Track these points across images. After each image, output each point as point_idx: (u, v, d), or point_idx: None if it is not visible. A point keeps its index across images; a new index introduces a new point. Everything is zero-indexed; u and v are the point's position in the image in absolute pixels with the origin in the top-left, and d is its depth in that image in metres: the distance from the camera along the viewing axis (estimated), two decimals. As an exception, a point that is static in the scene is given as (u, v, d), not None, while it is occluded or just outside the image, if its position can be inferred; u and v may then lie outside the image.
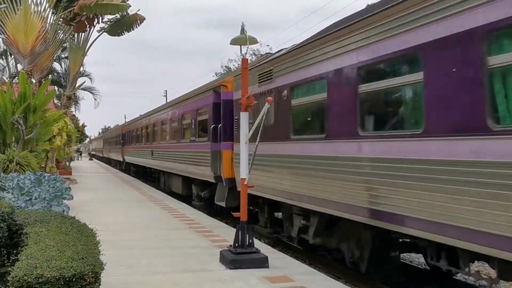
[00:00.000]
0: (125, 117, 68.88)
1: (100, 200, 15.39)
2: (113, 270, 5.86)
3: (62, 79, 31.09)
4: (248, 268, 6.58)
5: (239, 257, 6.73)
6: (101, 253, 4.25)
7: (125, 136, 35.34)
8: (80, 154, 70.61)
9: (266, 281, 6.04)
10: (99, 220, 9.52)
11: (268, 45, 63.76)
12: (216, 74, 55.02)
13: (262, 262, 6.74)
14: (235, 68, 49.31)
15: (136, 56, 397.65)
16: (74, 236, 4.55)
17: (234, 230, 7.16)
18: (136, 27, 19.60)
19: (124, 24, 19.55)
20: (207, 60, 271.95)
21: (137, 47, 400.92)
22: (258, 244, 7.76)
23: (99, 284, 3.82)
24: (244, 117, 7.15)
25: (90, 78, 33.15)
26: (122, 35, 19.96)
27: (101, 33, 20.01)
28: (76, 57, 20.45)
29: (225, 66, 54.72)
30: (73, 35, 19.97)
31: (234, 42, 7.13)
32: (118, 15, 18.83)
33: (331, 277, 7.09)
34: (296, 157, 8.42)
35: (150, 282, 6.00)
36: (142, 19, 19.50)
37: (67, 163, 33.02)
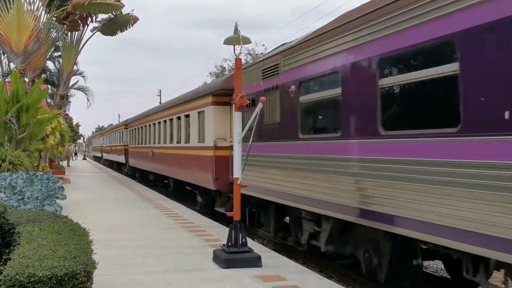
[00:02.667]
0: (119, 117, 68.82)
1: (94, 199, 15.35)
2: (106, 269, 5.85)
3: (55, 78, 30.88)
4: (241, 267, 6.59)
5: (232, 257, 6.74)
6: (93, 252, 4.25)
7: None
8: (76, 154, 70.61)
9: (259, 280, 6.06)
10: (92, 220, 9.50)
11: (264, 45, 63.73)
12: (210, 74, 54.93)
13: (255, 262, 6.76)
14: (229, 68, 49.24)
15: (129, 55, 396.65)
16: (66, 236, 4.55)
17: (228, 229, 7.17)
18: (130, 27, 19.54)
19: (117, 23, 19.48)
20: (202, 59, 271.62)
21: (130, 46, 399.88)
22: (251, 243, 7.77)
23: (92, 283, 3.82)
24: (238, 117, 7.15)
25: (83, 77, 32.90)
26: (116, 34, 19.90)
27: (94, 33, 19.94)
28: (69, 56, 20.36)
29: (220, 66, 54.62)
30: (66, 34, 19.88)
31: (228, 42, 7.13)
32: (111, 15, 18.76)
33: (324, 276, 7.12)
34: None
35: (143, 281, 5.99)
36: (135, 19, 19.45)
37: (61, 163, 32.87)
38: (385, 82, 5.99)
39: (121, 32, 19.74)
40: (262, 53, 43.84)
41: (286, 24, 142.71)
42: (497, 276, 6.24)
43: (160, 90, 70.76)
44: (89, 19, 18.57)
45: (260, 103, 6.88)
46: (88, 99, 33.57)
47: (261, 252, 7.26)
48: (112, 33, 19.81)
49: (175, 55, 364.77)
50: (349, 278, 8.00)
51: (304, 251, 9.80)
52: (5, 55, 20.55)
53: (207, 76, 54.96)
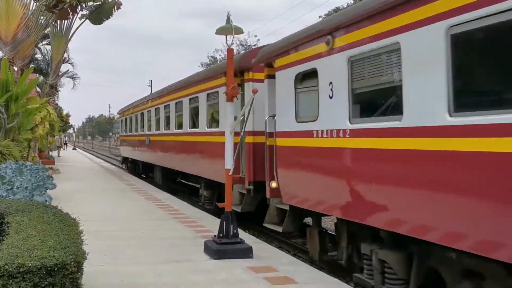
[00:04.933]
0: (109, 107, 68.12)
1: (84, 190, 15.26)
2: (97, 260, 5.82)
3: (43, 66, 30.23)
4: (233, 258, 6.60)
5: (223, 248, 6.74)
6: (84, 243, 4.22)
7: None
8: (65, 144, 69.99)
9: (250, 271, 6.06)
10: (82, 210, 9.42)
11: (256, 36, 63.57)
12: (201, 64, 54.69)
13: (246, 253, 6.76)
14: (221, 58, 49.06)
15: (120, 46, 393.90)
16: (56, 226, 4.51)
17: (219, 220, 7.16)
18: (114, 12, 19.27)
19: (104, 11, 19.25)
20: (194, 49, 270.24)
21: (121, 36, 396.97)
22: (242, 234, 7.77)
23: (82, 274, 3.79)
24: (229, 107, 7.12)
25: (71, 64, 32.31)
26: (102, 22, 19.66)
27: (83, 21, 19.70)
28: (58, 45, 20.14)
29: (211, 56, 54.39)
30: (56, 23, 19.64)
31: (219, 32, 7.08)
32: (99, 2, 18.54)
33: (314, 267, 7.14)
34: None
35: (134, 272, 5.97)
36: (119, 5, 19.18)
37: (50, 153, 32.60)
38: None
39: (106, 19, 19.48)
40: (255, 44, 43.66)
41: (277, 15, 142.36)
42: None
43: (151, 81, 70.03)
44: (79, 7, 18.34)
45: (252, 94, 6.86)
46: (75, 84, 32.83)
47: (252, 243, 7.27)
48: (99, 21, 19.58)
49: (167, 45, 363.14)
50: (339, 269, 8.03)
51: (296, 242, 9.83)
52: (-6, 44, 20.28)
53: (198, 66, 54.68)
